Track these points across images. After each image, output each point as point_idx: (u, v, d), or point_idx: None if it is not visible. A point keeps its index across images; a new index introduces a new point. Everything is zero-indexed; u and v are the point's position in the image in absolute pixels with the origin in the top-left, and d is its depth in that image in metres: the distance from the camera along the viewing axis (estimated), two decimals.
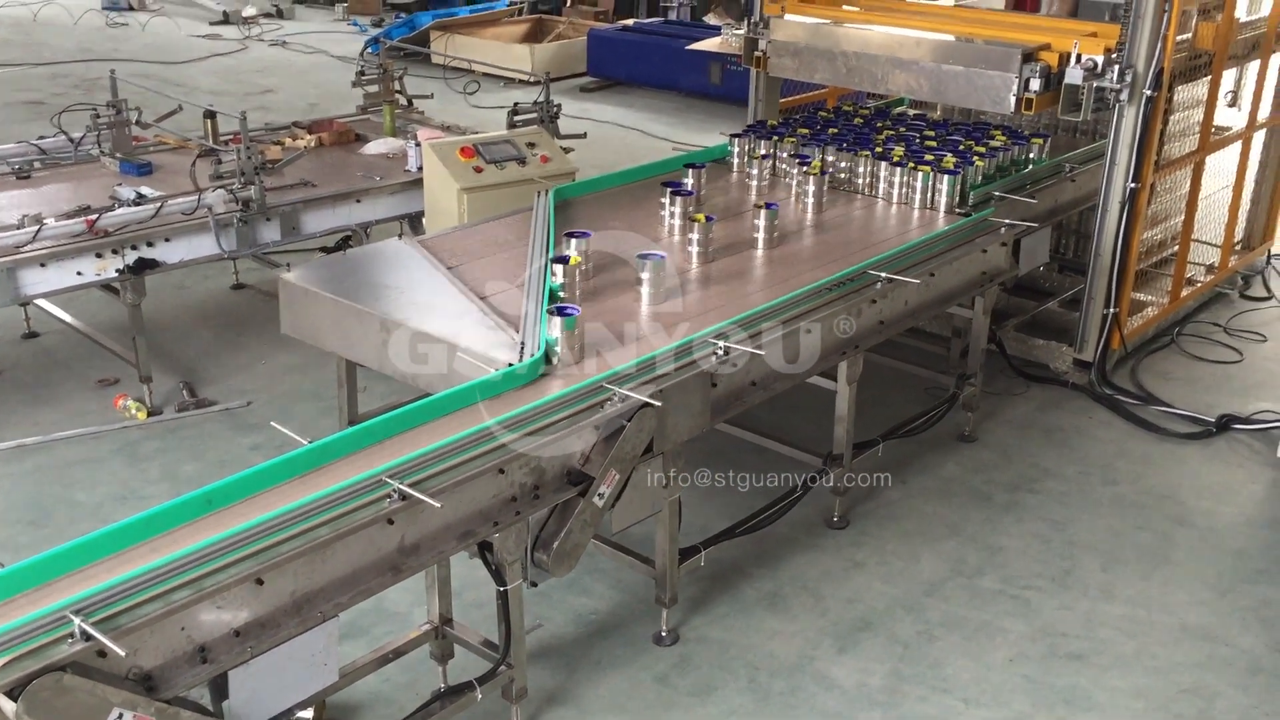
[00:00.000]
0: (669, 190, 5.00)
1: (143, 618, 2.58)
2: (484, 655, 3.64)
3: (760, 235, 4.84)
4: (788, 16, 6.50)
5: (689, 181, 5.24)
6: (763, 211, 4.81)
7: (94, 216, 5.29)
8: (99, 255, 5.25)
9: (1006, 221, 5.19)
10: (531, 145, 5.76)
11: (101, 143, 6.36)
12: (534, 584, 3.63)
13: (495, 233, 4.91)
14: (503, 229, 4.94)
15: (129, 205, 5.49)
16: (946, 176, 5.25)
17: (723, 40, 11.77)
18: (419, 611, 4.09)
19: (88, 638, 2.49)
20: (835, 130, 6.03)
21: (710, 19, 14.22)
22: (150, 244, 5.37)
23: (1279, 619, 4.33)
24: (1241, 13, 6.41)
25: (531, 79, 11.65)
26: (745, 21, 6.72)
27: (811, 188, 5.26)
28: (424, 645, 3.78)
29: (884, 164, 5.44)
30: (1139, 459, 5.40)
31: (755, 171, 5.63)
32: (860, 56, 6.15)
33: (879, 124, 6.24)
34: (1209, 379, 6.19)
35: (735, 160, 5.85)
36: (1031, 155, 5.83)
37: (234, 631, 2.74)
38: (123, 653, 2.49)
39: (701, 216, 4.69)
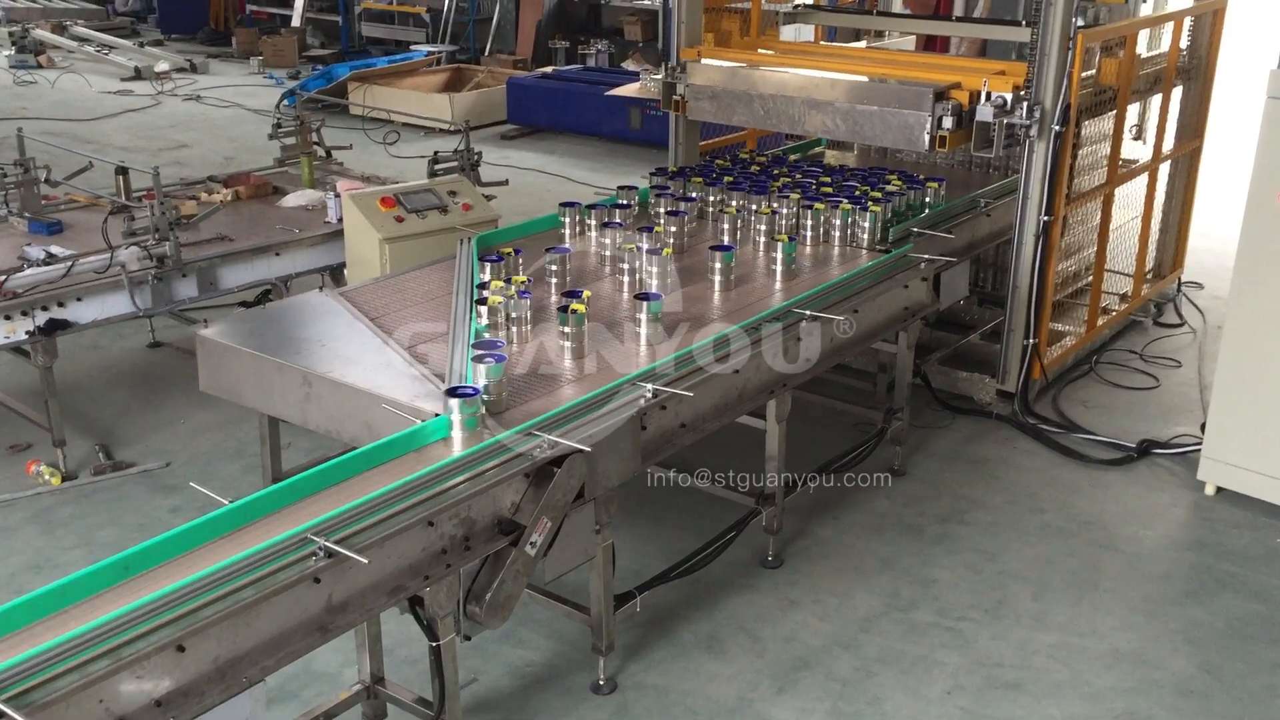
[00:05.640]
0: (485, 261, 4.65)
1: (58, 691, 2.48)
2: (418, 713, 3.57)
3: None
4: (704, 61, 6.58)
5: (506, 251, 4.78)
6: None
7: (1, 278, 5.15)
8: (8, 317, 5.11)
9: (926, 257, 5.26)
10: (453, 194, 5.74)
11: (9, 202, 6.22)
12: (467, 637, 3.56)
13: (418, 282, 4.86)
14: (426, 278, 4.90)
15: (38, 265, 5.36)
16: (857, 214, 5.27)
17: (641, 85, 11.89)
18: (349, 671, 3.99)
19: (0, 715, 2.39)
20: (731, 178, 5.91)
21: (629, 65, 14.37)
22: (61, 304, 5.24)
23: (1207, 640, 4.40)
24: (1142, 49, 6.62)
25: (452, 128, 11.63)
26: (663, 66, 6.77)
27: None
28: (356, 706, 3.71)
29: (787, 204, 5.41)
30: (1064, 486, 5.47)
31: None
32: (777, 99, 6.24)
33: (775, 171, 6.20)
34: (1128, 405, 6.32)
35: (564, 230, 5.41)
36: (928, 200, 5.81)
37: (155, 701, 2.64)
38: None
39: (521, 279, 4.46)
